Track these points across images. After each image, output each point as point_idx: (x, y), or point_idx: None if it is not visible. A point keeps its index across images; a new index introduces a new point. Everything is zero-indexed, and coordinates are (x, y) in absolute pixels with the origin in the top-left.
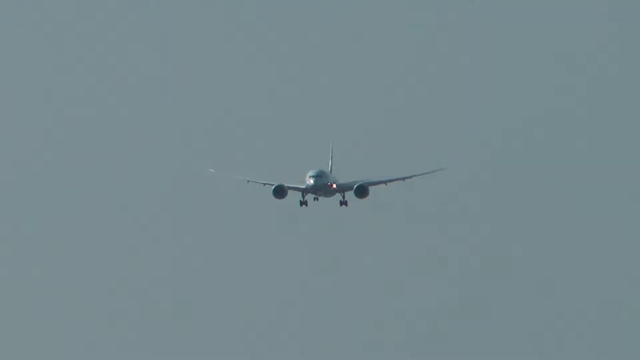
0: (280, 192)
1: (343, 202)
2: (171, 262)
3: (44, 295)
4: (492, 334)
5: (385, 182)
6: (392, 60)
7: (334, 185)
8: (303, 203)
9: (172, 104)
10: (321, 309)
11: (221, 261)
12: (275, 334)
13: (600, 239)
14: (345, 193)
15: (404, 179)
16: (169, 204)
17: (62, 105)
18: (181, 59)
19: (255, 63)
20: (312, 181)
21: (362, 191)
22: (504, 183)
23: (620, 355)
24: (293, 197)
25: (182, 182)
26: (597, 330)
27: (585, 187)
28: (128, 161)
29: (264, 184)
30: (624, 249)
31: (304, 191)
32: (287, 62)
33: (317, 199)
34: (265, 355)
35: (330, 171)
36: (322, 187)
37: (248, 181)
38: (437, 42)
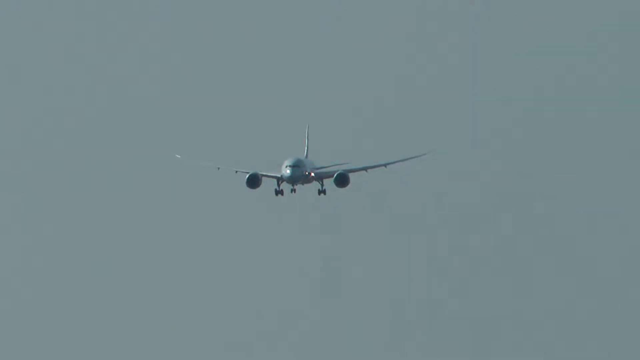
0: (254, 181)
1: (321, 191)
2: (133, 257)
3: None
4: (481, 329)
5: (366, 168)
6: (370, 40)
7: (312, 174)
8: (279, 192)
9: (140, 86)
10: (298, 307)
11: (188, 256)
12: (248, 331)
13: (585, 222)
14: (324, 180)
15: (386, 165)
16: (132, 193)
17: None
18: (151, 43)
19: (227, 43)
20: (288, 171)
21: (342, 180)
22: (492, 168)
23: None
24: (268, 185)
25: (147, 170)
26: (597, 328)
27: (572, 175)
28: (91, 148)
29: (236, 172)
30: (617, 238)
31: (280, 180)
32: (261, 42)
33: (295, 191)
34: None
35: (306, 156)
36: (299, 178)
37: (219, 168)
38: (419, 23)
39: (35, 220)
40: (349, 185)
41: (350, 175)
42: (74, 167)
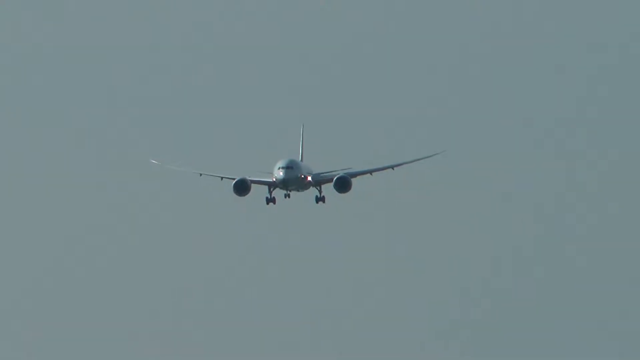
0: (242, 187)
1: (320, 198)
2: (108, 269)
3: None
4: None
5: (370, 171)
6: (373, 36)
7: (309, 178)
8: (270, 200)
9: (126, 88)
10: (288, 326)
11: (168, 273)
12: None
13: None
14: (323, 186)
15: (393, 167)
16: (106, 201)
17: None
18: (135, 40)
19: (216, 38)
20: (282, 173)
21: (343, 184)
22: (505, 170)
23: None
24: (258, 192)
25: (121, 176)
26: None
27: (581, 176)
28: (73, 153)
29: (222, 178)
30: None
31: (272, 185)
32: (255, 36)
33: (289, 196)
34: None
35: (301, 159)
36: (294, 181)
37: (201, 174)
38: (421, 22)
39: (19, 226)
40: (351, 190)
41: (353, 179)
42: (56, 173)
